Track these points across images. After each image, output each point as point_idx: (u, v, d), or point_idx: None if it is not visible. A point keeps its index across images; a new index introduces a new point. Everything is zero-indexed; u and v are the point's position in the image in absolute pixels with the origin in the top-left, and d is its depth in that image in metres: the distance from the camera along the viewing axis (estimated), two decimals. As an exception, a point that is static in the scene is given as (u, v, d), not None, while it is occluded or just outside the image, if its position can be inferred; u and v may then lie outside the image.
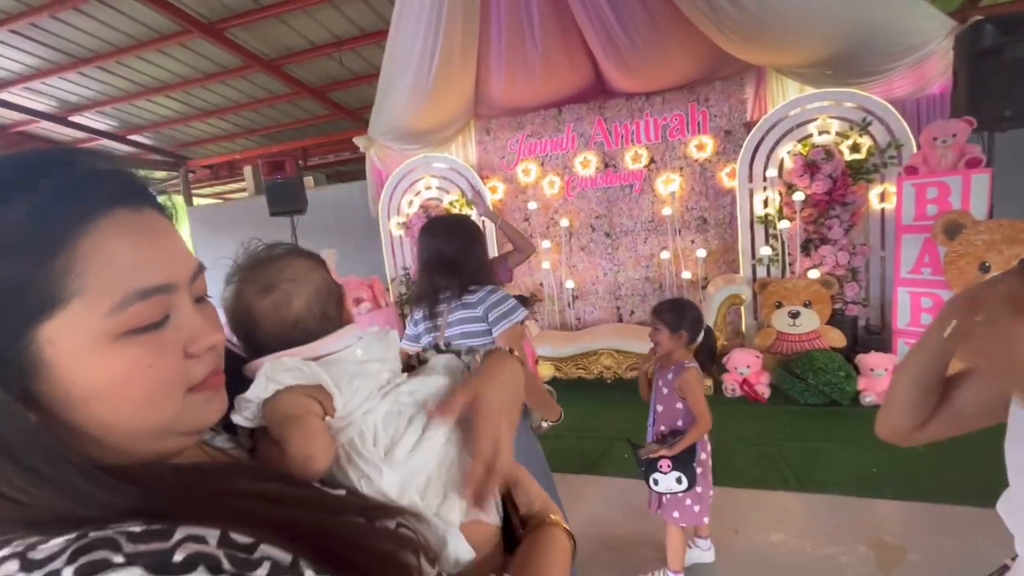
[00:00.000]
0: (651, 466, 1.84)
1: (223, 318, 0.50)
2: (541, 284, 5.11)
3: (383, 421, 0.52)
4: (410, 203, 5.13)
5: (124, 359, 0.35)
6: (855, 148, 3.88)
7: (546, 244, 4.98)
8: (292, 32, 4.95)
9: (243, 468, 0.46)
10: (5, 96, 5.54)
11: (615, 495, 2.60)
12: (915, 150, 3.70)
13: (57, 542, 0.28)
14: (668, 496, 1.86)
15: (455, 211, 4.85)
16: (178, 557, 0.28)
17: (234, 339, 0.56)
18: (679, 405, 1.86)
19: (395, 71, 4.24)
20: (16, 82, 5.30)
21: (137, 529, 0.29)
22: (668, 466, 1.80)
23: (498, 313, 1.52)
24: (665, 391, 1.90)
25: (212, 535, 0.31)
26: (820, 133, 3.97)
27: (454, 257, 1.57)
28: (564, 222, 4.91)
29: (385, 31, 4.13)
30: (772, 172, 4.08)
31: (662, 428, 1.90)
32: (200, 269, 0.41)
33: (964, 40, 3.56)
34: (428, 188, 5.07)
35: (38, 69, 5.14)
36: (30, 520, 0.30)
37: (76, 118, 6.27)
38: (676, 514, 1.87)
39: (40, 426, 0.32)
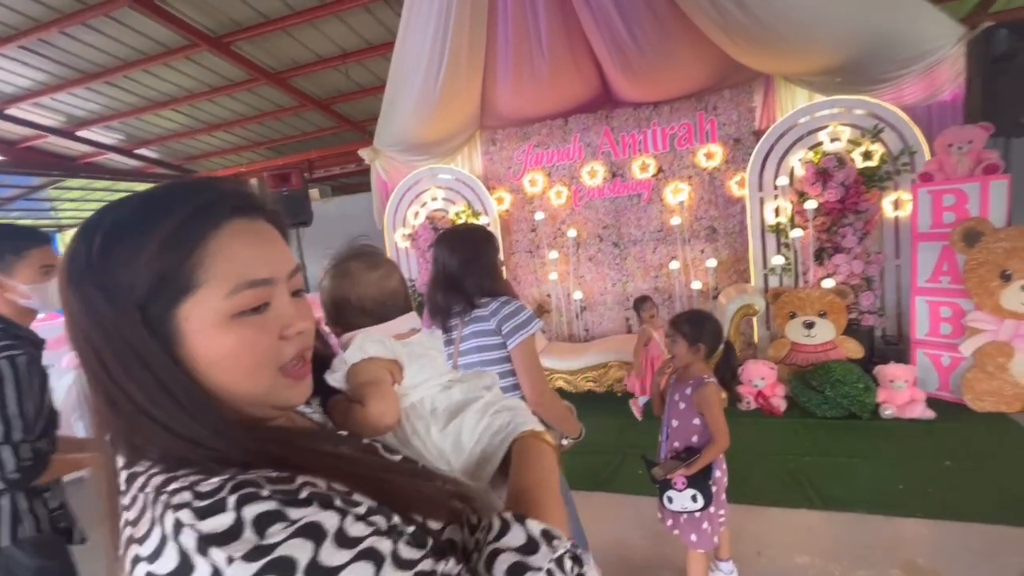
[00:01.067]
0: (665, 483, 1.76)
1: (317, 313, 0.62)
2: (549, 295, 5.05)
3: (438, 397, 0.67)
4: (416, 215, 5.10)
5: (235, 335, 0.45)
6: (867, 155, 3.83)
7: (553, 255, 4.93)
8: (298, 45, 4.97)
9: (328, 433, 0.59)
10: (14, 111, 5.57)
11: (631, 514, 2.51)
12: (928, 157, 3.64)
13: (215, 480, 0.39)
14: (685, 516, 1.78)
15: (460, 222, 4.81)
16: (302, 495, 0.39)
17: (325, 328, 0.71)
18: (696, 421, 1.79)
19: (401, 83, 4.23)
20: (25, 98, 5.32)
21: (272, 474, 0.40)
22: (683, 483, 1.73)
23: (511, 325, 1.45)
24: (682, 406, 1.82)
25: (321, 482, 0.42)
26: (831, 141, 3.91)
27: (457, 271, 1.51)
28: (571, 232, 4.86)
29: (391, 43, 4.12)
30: (783, 180, 4.03)
31: (676, 444, 1.83)
32: (297, 268, 0.51)
33: (977, 46, 3.52)
34: (434, 199, 5.04)
35: (47, 84, 5.17)
36: (189, 458, 0.41)
37: (83, 132, 6.29)
38: (694, 537, 1.79)
39: (189, 383, 0.44)
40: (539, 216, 4.94)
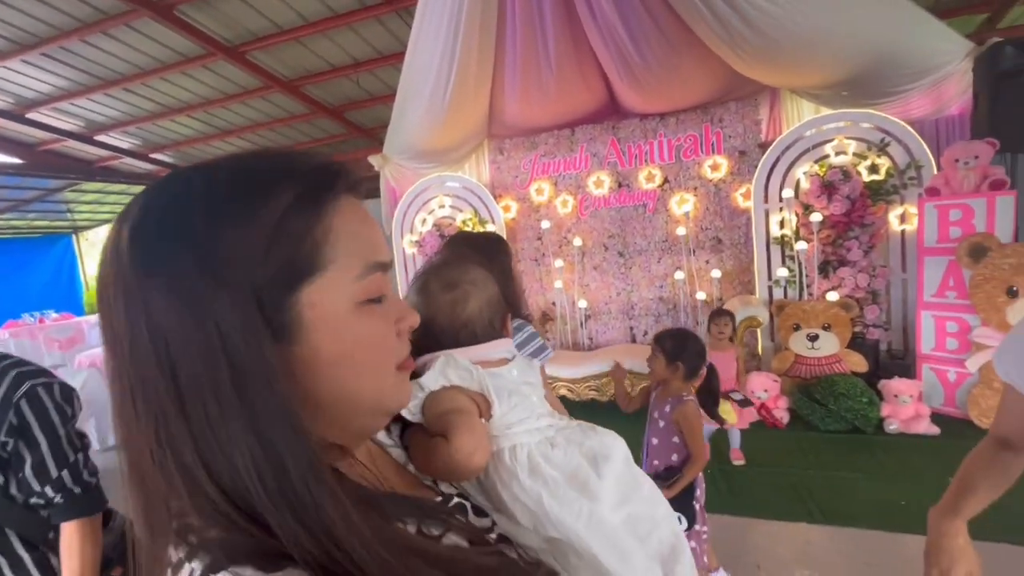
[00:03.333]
0: None
1: None
2: (554, 303, 5.07)
3: (536, 448, 0.53)
4: (423, 221, 5.16)
5: (367, 324, 0.39)
6: (873, 169, 3.83)
7: (559, 263, 4.96)
8: (311, 54, 5.07)
9: (427, 505, 0.45)
10: (35, 116, 5.72)
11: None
12: (935, 171, 3.64)
13: None
14: None
15: (467, 229, 4.86)
16: None
17: None
18: (675, 439, 1.77)
19: (411, 92, 4.30)
20: (46, 102, 5.47)
21: None
22: None
23: (525, 354, 1.41)
24: (661, 424, 1.81)
25: None
26: (837, 154, 3.92)
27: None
28: (577, 241, 4.89)
29: (402, 53, 4.20)
30: (788, 193, 4.04)
31: (656, 463, 1.81)
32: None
33: (984, 62, 3.52)
34: (441, 207, 5.09)
35: (67, 90, 5.31)
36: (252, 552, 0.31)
37: (101, 137, 6.44)
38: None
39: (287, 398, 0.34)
40: (545, 225, 4.98)
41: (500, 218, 4.95)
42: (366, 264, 0.39)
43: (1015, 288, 3.04)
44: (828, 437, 3.28)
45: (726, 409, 2.54)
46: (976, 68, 3.59)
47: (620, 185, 4.78)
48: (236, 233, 0.33)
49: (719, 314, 3.06)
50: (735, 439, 3.06)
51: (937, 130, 3.95)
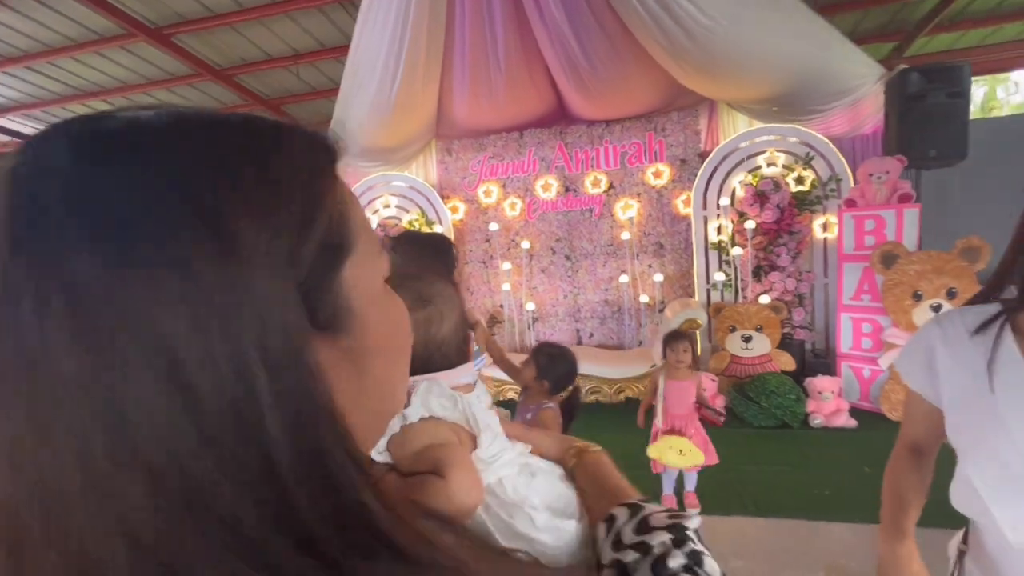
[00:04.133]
0: None
1: None
2: (501, 305, 5.06)
3: (520, 477, 0.49)
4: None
5: (398, 303, 0.34)
6: (800, 180, 4.11)
7: (507, 266, 4.95)
8: (246, 42, 4.77)
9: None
10: (-86, 93, 5.04)
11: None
12: (852, 184, 3.95)
13: None
14: None
15: (414, 229, 4.76)
16: None
17: None
18: None
19: (355, 87, 4.15)
20: (-71, 78, 4.83)
21: None
22: None
23: None
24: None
25: None
26: (768, 165, 4.17)
27: None
28: (525, 244, 4.91)
29: (346, 47, 4.04)
30: (725, 201, 4.25)
31: None
32: None
33: (893, 86, 3.86)
34: (387, 207, 4.96)
35: (-44, 66, 4.71)
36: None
37: (0, 120, 5.77)
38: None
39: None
40: (493, 227, 4.96)
41: (448, 219, 4.89)
42: (377, 240, 0.32)
43: (919, 292, 3.34)
44: (760, 433, 3.47)
45: (678, 446, 2.34)
46: (887, 91, 3.93)
47: (567, 189, 4.85)
48: (261, 218, 0.24)
49: (676, 338, 2.50)
50: (690, 482, 2.62)
51: (854, 147, 4.30)
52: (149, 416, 0.20)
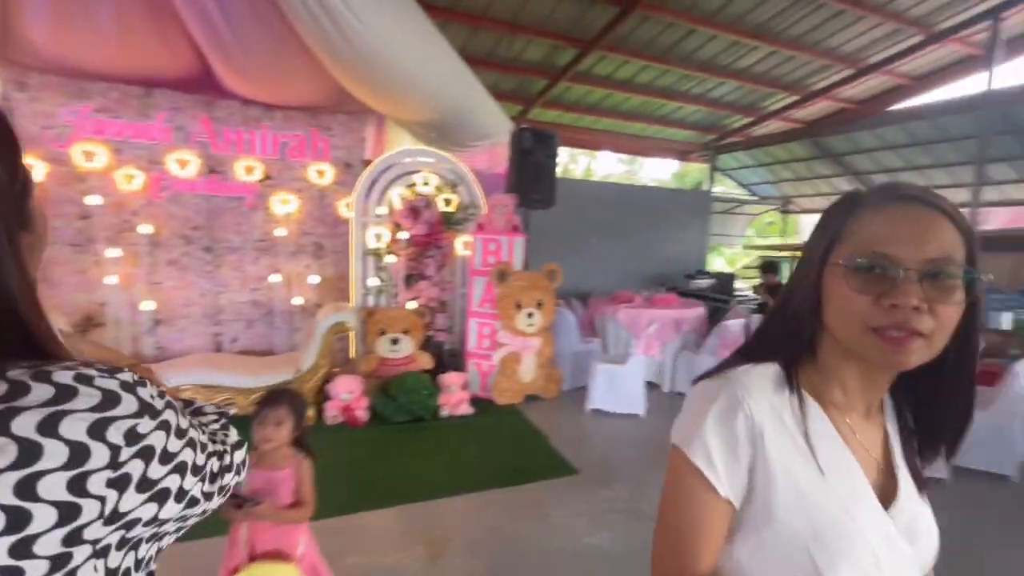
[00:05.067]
0: None
1: None
2: (104, 304, 3.90)
3: None
4: None
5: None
6: (448, 202, 4.69)
7: (115, 253, 3.86)
8: None
9: None
10: None
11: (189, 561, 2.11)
12: (483, 212, 4.76)
13: None
14: None
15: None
16: None
17: None
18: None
19: None
20: None
21: None
22: None
23: None
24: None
25: None
26: (424, 184, 4.61)
27: None
28: (145, 228, 3.94)
29: None
30: (383, 210, 4.46)
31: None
32: None
33: (514, 140, 4.87)
34: None
35: None
36: None
37: None
38: None
39: None
40: (94, 200, 3.79)
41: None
42: None
43: (520, 303, 4.28)
44: (398, 428, 3.73)
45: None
46: (511, 143, 4.93)
47: (212, 171, 4.16)
48: None
49: (274, 403, 1.59)
50: None
51: (489, 182, 5.22)
52: None
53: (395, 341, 4.14)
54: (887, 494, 0.59)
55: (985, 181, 5.57)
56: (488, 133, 4.87)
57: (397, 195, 4.53)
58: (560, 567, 2.24)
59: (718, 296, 6.67)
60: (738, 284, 7.80)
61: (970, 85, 5.87)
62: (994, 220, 7.10)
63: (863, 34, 5.57)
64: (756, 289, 5.92)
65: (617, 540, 2.44)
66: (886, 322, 0.52)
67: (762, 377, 0.59)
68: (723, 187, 9.93)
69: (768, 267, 5.89)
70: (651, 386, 4.55)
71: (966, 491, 2.96)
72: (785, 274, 8.18)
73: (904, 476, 0.62)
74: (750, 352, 0.63)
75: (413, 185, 4.57)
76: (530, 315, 4.26)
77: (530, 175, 4.86)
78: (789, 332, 0.61)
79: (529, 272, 4.43)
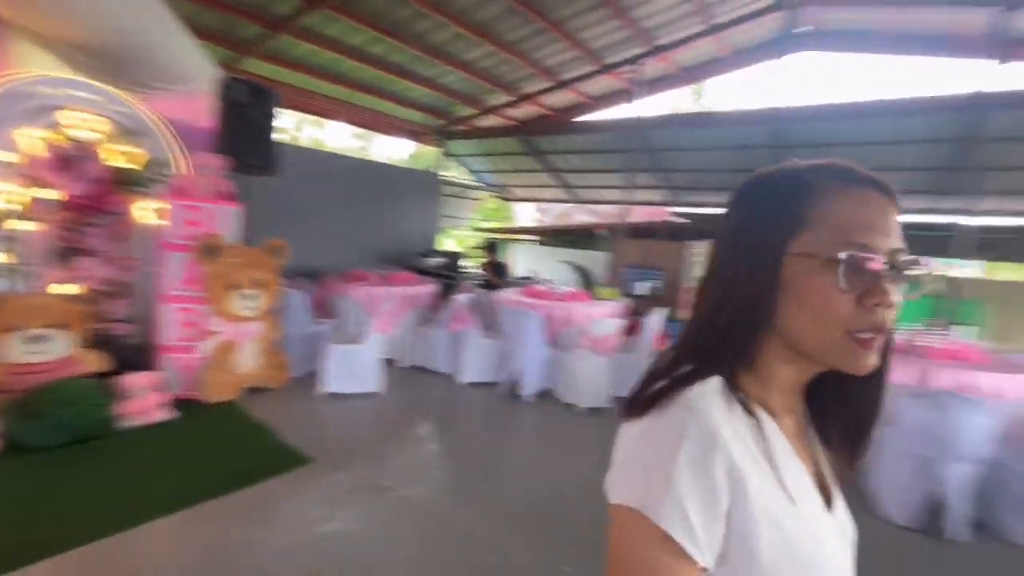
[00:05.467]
0: None
1: None
2: None
3: None
4: None
5: None
6: (125, 156, 3.64)
7: None
8: None
9: None
10: None
11: None
12: (182, 172, 3.89)
13: None
14: None
15: None
16: None
17: None
18: None
19: None
20: None
21: None
22: None
23: None
24: None
25: None
26: (81, 127, 3.44)
27: None
28: None
29: None
30: (9, 157, 3.16)
31: None
32: None
33: (225, 90, 4.11)
34: None
35: None
36: None
37: None
38: None
39: None
40: None
41: None
42: None
43: (235, 283, 3.68)
44: (56, 453, 2.76)
45: None
46: (220, 94, 4.13)
47: None
48: None
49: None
50: None
51: (191, 136, 4.26)
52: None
53: (36, 339, 3.03)
54: (826, 497, 0.54)
55: (634, 185, 7.52)
56: (183, 75, 3.96)
57: (34, 138, 3.26)
58: (287, 564, 2.06)
59: (449, 273, 7.19)
60: (464, 262, 8.57)
61: (625, 111, 7.78)
62: (636, 214, 9.65)
63: (558, 54, 6.70)
64: (483, 267, 6.62)
65: (357, 518, 2.40)
66: (866, 324, 0.46)
67: (714, 395, 0.48)
68: (455, 173, 10.65)
69: (491, 247, 6.66)
70: (388, 363, 4.59)
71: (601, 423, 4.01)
72: (505, 254, 9.39)
73: (828, 472, 0.56)
74: (677, 363, 0.51)
75: (56, 126, 3.37)
76: (248, 297, 3.73)
77: (245, 135, 4.20)
78: (730, 337, 0.50)
79: (247, 248, 3.85)
